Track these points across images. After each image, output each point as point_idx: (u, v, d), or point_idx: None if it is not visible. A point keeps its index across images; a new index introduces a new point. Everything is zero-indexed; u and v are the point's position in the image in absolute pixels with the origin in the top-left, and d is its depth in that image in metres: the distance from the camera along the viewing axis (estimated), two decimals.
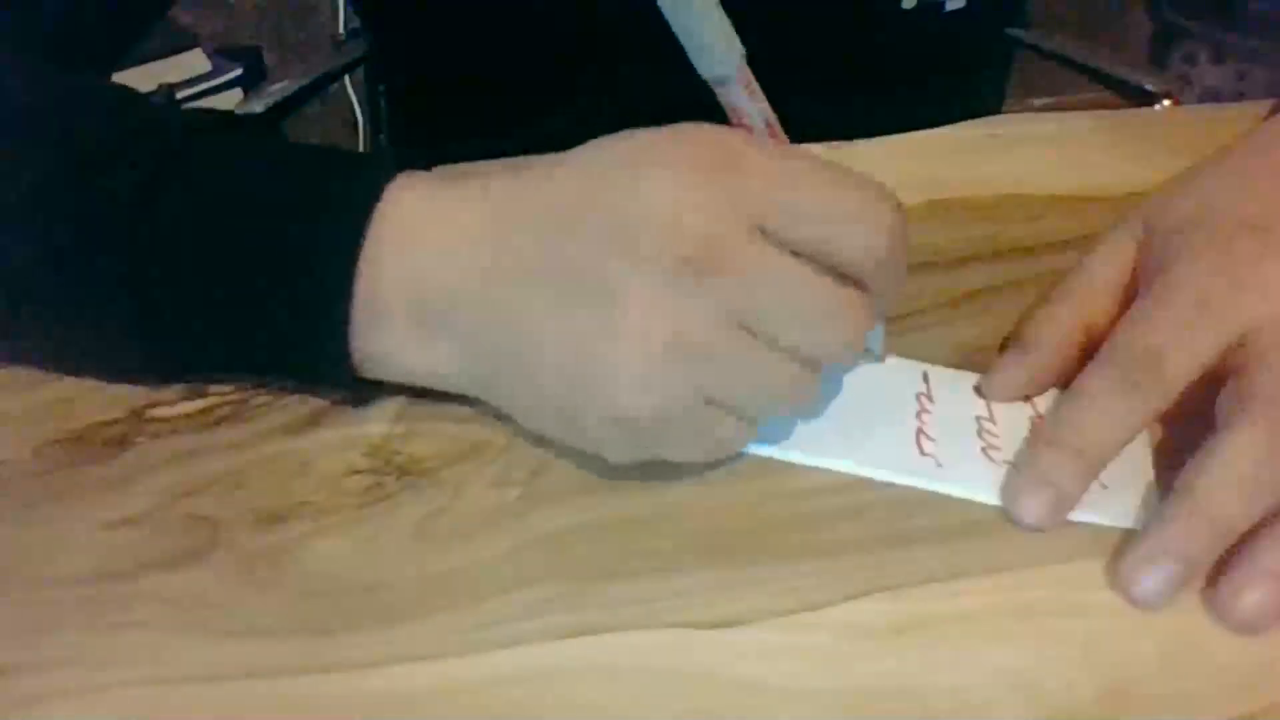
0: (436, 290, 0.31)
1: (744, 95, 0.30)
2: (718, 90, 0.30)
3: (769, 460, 0.33)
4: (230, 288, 0.32)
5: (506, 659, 0.27)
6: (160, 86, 1.42)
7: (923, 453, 0.33)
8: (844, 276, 0.29)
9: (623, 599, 0.29)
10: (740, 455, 0.33)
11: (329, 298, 0.31)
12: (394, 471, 0.33)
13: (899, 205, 0.29)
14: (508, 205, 0.30)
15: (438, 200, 0.31)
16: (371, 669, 0.27)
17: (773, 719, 0.26)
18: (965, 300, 0.40)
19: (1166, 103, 0.83)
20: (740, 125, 0.31)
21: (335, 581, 0.29)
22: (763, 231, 0.28)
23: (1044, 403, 0.35)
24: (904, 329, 0.38)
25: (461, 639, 0.28)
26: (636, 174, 0.28)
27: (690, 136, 0.29)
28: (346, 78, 1.45)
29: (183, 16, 1.55)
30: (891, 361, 0.36)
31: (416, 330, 0.31)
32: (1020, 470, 0.32)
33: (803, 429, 0.34)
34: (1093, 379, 0.32)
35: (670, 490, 0.32)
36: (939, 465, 0.33)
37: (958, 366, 0.37)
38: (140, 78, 1.39)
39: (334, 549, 0.30)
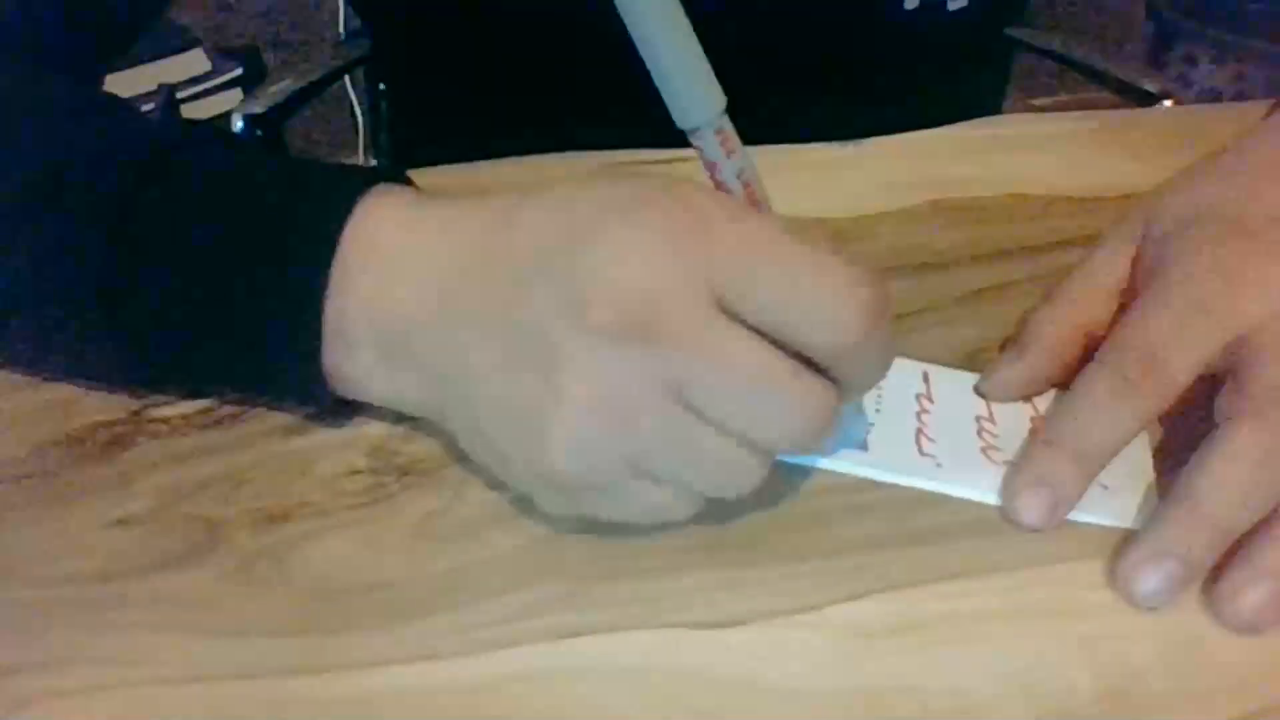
0: (397, 321, 0.30)
1: (719, 150, 0.28)
2: (693, 141, 0.28)
3: None
4: (203, 308, 0.31)
5: (506, 659, 0.27)
6: (160, 86, 1.42)
7: (922, 453, 0.33)
8: (812, 363, 0.27)
9: (623, 599, 0.29)
10: None
11: (297, 322, 0.31)
12: (394, 471, 0.33)
13: (881, 292, 0.26)
14: (469, 249, 0.30)
15: (405, 228, 0.31)
16: (371, 669, 0.27)
17: (772, 719, 0.26)
18: (965, 300, 0.40)
19: (1167, 103, 0.83)
20: (715, 180, 0.29)
21: (335, 581, 0.29)
22: (723, 307, 0.26)
23: (1044, 403, 0.35)
24: (904, 329, 0.38)
25: (461, 639, 0.28)
26: (597, 236, 0.27)
27: (660, 199, 0.27)
28: (346, 78, 1.45)
29: (183, 16, 1.55)
30: (893, 362, 0.36)
31: (380, 357, 0.31)
32: (1019, 470, 0.32)
33: None
34: (1091, 380, 0.32)
35: None
36: (939, 465, 0.33)
37: (958, 366, 0.37)
38: (140, 78, 1.39)
39: (334, 549, 0.30)
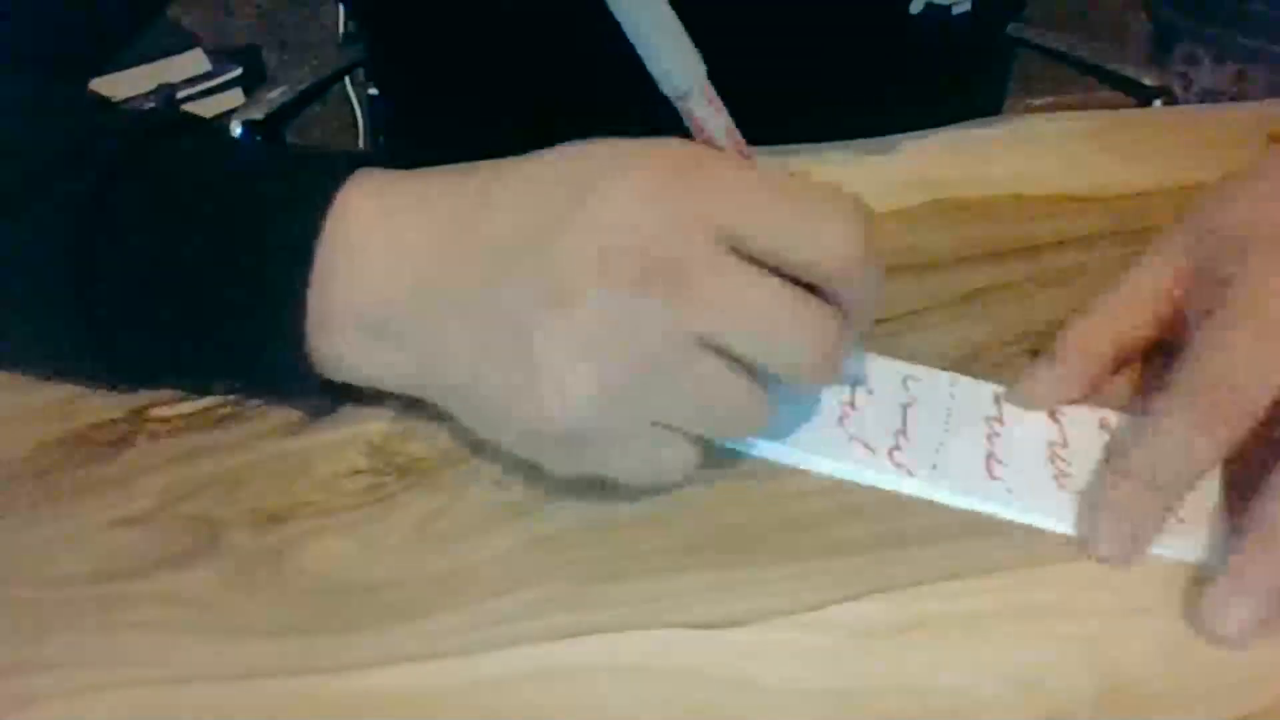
0: (380, 304, 0.30)
1: (707, 108, 0.30)
2: (680, 106, 0.30)
3: (769, 461, 0.33)
4: (181, 299, 0.31)
5: (506, 659, 0.27)
6: (160, 86, 1.42)
7: (992, 477, 0.32)
8: (815, 292, 0.28)
9: (623, 599, 0.29)
10: (745, 455, 0.33)
11: (282, 310, 0.30)
12: (394, 471, 0.33)
13: (868, 212, 0.28)
14: (448, 226, 0.30)
15: (382, 213, 0.31)
16: (371, 669, 0.27)
17: (772, 719, 0.26)
18: (965, 300, 0.40)
19: (1162, 102, 0.83)
20: (704, 139, 0.30)
21: (335, 581, 0.29)
22: (726, 244, 0.27)
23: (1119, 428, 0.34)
24: (904, 329, 0.38)
25: (461, 639, 0.28)
26: (600, 194, 0.27)
27: (651, 149, 0.28)
28: (346, 78, 1.45)
29: (183, 16, 1.55)
30: (963, 382, 0.36)
31: (367, 339, 0.31)
32: (1097, 503, 0.31)
33: (873, 448, 0.33)
34: (1168, 410, 0.30)
35: (670, 490, 0.32)
36: (1009, 490, 0.32)
37: (958, 367, 0.36)
38: (140, 78, 1.39)
39: (334, 549, 0.30)
